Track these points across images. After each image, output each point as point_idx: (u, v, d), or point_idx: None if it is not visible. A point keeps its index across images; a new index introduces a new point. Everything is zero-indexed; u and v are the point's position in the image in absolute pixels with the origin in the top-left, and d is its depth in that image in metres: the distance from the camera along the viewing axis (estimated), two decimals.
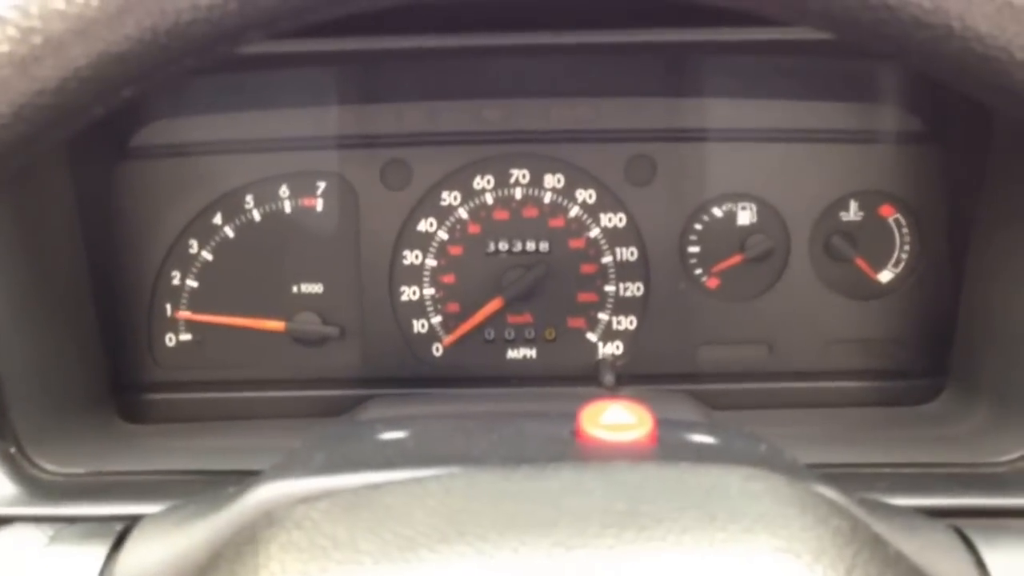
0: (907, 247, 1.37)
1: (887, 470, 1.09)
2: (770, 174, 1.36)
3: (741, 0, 0.53)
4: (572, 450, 0.65)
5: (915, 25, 0.49)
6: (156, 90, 0.50)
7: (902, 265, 1.37)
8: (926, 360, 1.38)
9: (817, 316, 1.39)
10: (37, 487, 1.07)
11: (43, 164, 1.20)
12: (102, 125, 1.34)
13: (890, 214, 1.37)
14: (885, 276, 1.38)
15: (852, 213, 1.37)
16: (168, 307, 1.39)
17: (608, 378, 1.34)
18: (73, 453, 1.17)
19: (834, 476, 1.06)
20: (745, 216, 1.37)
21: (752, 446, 0.72)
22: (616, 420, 0.66)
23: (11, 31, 0.47)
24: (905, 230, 1.37)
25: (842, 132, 1.36)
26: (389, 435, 0.74)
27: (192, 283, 1.38)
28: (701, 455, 0.69)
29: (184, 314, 1.39)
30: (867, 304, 1.38)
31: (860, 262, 1.37)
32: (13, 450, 1.07)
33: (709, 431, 0.76)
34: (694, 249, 1.38)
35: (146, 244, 1.37)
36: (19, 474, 1.05)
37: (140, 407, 1.39)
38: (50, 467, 1.13)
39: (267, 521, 0.55)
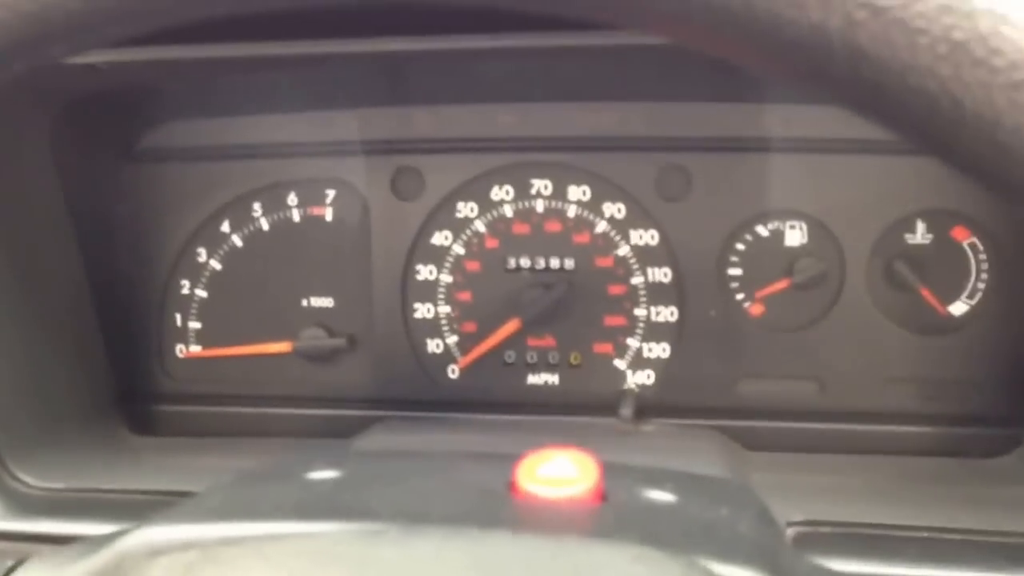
0: (984, 276, 1.31)
1: (925, 534, 1.04)
2: (823, 189, 1.32)
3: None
4: (498, 507, 0.63)
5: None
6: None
7: (978, 297, 1.31)
8: (1002, 406, 1.31)
9: (874, 351, 1.34)
10: (10, 501, 1.15)
11: (28, 166, 1.28)
12: (106, 127, 1.41)
13: (964, 238, 1.31)
14: (957, 308, 1.31)
15: (919, 235, 1.31)
16: (178, 317, 1.46)
17: (625, 411, 1.32)
18: (68, 466, 1.25)
19: (855, 537, 1.04)
20: (794, 236, 1.34)
21: (712, 506, 0.67)
22: (555, 473, 0.63)
23: None
24: (982, 256, 1.30)
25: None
26: (316, 475, 0.75)
27: (201, 293, 1.44)
28: (650, 516, 0.65)
29: (194, 350, 1.46)
30: (933, 339, 1.33)
31: (925, 292, 1.31)
32: None
33: (669, 484, 0.71)
34: (735, 272, 1.35)
35: (154, 251, 1.44)
36: None
37: (150, 419, 1.46)
38: (31, 481, 1.21)
39: (118, 574, 0.57)
